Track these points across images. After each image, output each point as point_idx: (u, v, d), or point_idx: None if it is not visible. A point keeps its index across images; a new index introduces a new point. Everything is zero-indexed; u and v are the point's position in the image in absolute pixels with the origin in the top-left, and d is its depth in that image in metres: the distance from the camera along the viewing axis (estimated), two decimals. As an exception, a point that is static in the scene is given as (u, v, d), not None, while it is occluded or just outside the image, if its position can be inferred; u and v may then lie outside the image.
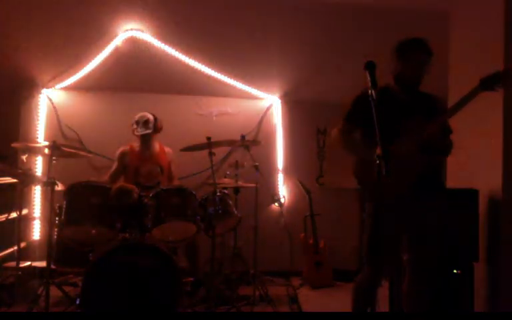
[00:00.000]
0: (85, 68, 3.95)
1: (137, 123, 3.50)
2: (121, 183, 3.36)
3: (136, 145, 3.60)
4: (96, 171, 4.08)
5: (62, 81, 4.12)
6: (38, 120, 4.15)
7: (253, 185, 3.42)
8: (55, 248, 2.95)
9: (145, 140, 3.55)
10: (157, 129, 3.56)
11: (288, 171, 4.44)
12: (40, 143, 3.53)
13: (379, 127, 1.70)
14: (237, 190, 3.66)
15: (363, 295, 2.37)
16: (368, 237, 2.32)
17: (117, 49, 3.79)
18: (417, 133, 2.22)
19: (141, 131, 3.48)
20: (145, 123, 3.49)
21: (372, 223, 2.30)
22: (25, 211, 3.76)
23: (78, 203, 2.75)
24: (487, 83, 2.14)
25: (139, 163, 3.52)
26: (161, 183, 3.50)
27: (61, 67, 3.99)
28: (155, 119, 3.56)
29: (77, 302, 2.74)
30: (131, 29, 3.69)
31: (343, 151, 2.42)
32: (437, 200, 2.56)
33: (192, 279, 3.34)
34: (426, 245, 2.28)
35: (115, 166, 3.56)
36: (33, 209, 4.08)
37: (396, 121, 2.22)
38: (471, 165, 2.99)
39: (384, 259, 2.24)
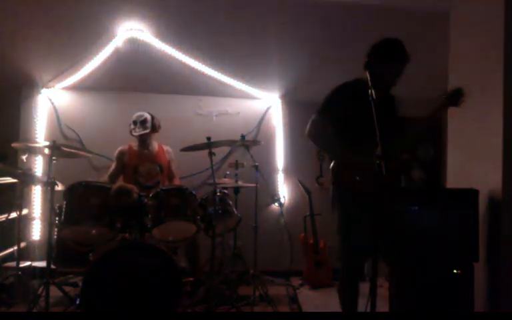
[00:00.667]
0: (85, 68, 3.95)
1: (135, 122, 3.50)
2: (120, 182, 3.36)
3: (134, 144, 3.60)
4: (96, 171, 4.08)
5: (62, 80, 4.12)
6: (38, 120, 4.15)
7: (253, 184, 3.42)
8: (55, 248, 2.95)
9: (143, 139, 3.55)
10: (154, 128, 3.56)
11: (288, 170, 4.44)
12: (40, 143, 3.52)
13: (379, 127, 1.69)
14: (237, 190, 3.66)
15: (346, 296, 2.38)
16: (343, 238, 2.30)
17: (117, 49, 3.79)
18: (399, 136, 2.23)
19: (139, 131, 3.48)
20: (143, 122, 3.49)
21: (346, 223, 2.28)
22: (25, 211, 3.76)
23: (78, 203, 2.75)
24: (452, 99, 2.25)
25: (138, 162, 3.52)
26: (160, 183, 3.50)
27: (61, 66, 3.99)
28: (152, 117, 3.56)
29: (77, 302, 2.73)
30: (131, 29, 3.69)
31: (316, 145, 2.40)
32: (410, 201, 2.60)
33: (192, 278, 3.34)
34: (402, 246, 2.30)
35: (114, 166, 3.56)
36: (33, 208, 4.08)
37: (368, 119, 2.21)
38: (471, 165, 2.99)
39: (360, 259, 2.25)
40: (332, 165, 2.29)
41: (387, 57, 2.24)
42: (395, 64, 2.24)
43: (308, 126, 2.36)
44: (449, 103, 2.26)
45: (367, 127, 2.15)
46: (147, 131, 3.49)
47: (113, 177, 3.50)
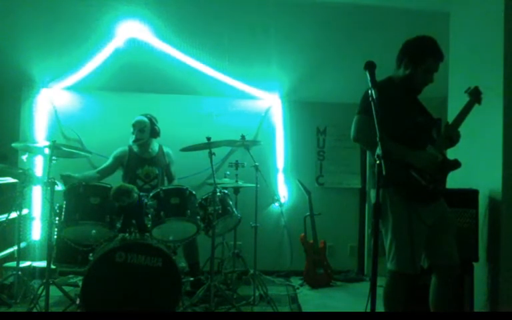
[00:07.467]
0: (84, 68, 3.95)
1: (134, 127, 3.50)
2: (120, 182, 3.36)
3: (135, 146, 3.59)
4: (96, 171, 4.08)
5: (62, 80, 4.12)
6: (38, 120, 4.15)
7: (253, 185, 3.42)
8: (55, 248, 2.95)
9: (142, 144, 3.54)
10: (153, 134, 3.55)
11: (288, 170, 4.44)
12: (40, 143, 3.52)
13: (379, 126, 1.68)
14: (237, 190, 3.66)
15: (398, 300, 2.20)
16: (399, 239, 2.13)
17: (117, 49, 3.79)
18: (445, 135, 2.21)
19: (136, 141, 3.47)
20: (140, 131, 3.48)
21: (402, 224, 2.12)
22: (25, 211, 3.76)
23: (78, 203, 2.74)
24: (475, 96, 2.24)
25: (137, 165, 3.51)
26: (159, 185, 3.50)
27: (61, 66, 3.99)
28: (152, 123, 3.55)
29: (77, 302, 2.73)
30: (131, 29, 3.69)
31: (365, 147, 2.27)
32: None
33: (192, 278, 3.34)
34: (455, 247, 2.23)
35: (108, 162, 3.55)
36: (33, 209, 4.08)
37: (412, 119, 2.18)
38: (471, 165, 2.99)
39: (417, 259, 2.16)
40: (377, 164, 1.82)
41: (429, 55, 2.17)
42: (435, 62, 2.18)
43: (353, 129, 2.18)
44: (474, 99, 2.24)
45: (411, 123, 2.15)
46: (143, 140, 3.49)
47: (103, 172, 3.48)
